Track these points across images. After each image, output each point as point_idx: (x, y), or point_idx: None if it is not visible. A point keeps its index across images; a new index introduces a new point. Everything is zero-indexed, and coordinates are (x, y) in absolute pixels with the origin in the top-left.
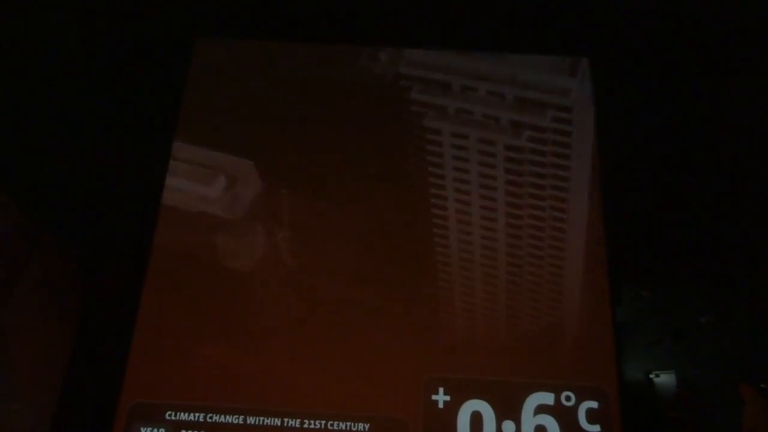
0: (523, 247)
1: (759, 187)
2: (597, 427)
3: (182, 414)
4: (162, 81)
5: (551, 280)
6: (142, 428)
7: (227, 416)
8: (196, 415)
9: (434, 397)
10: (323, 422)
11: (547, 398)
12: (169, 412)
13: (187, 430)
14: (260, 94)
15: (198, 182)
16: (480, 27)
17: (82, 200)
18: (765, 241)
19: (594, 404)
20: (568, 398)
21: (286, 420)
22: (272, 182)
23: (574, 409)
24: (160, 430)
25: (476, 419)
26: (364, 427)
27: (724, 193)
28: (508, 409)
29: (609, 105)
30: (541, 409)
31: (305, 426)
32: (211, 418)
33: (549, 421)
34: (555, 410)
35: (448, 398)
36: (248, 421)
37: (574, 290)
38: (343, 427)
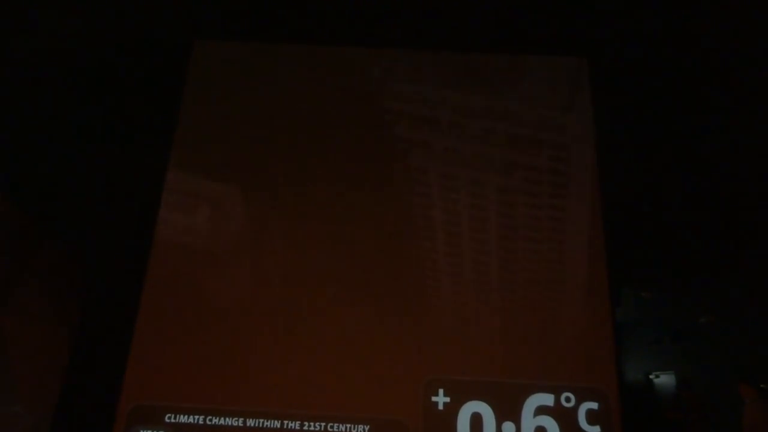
0: (520, 241)
1: (757, 189)
2: (597, 428)
3: (182, 416)
4: (161, 82)
5: (551, 280)
6: (141, 431)
7: (227, 418)
8: (196, 417)
9: (434, 398)
10: (323, 424)
11: (547, 399)
12: (169, 415)
13: None
14: (257, 98)
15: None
16: (479, 27)
17: (82, 203)
18: (764, 242)
19: (594, 405)
20: (568, 399)
21: (286, 422)
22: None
23: (574, 410)
24: None
25: (476, 420)
26: (364, 429)
27: (723, 194)
28: (508, 410)
29: (609, 107)
30: (541, 410)
31: (305, 428)
32: (210, 420)
33: (549, 422)
34: (555, 411)
35: (447, 399)
36: (248, 423)
37: (574, 291)
38: (343, 429)
